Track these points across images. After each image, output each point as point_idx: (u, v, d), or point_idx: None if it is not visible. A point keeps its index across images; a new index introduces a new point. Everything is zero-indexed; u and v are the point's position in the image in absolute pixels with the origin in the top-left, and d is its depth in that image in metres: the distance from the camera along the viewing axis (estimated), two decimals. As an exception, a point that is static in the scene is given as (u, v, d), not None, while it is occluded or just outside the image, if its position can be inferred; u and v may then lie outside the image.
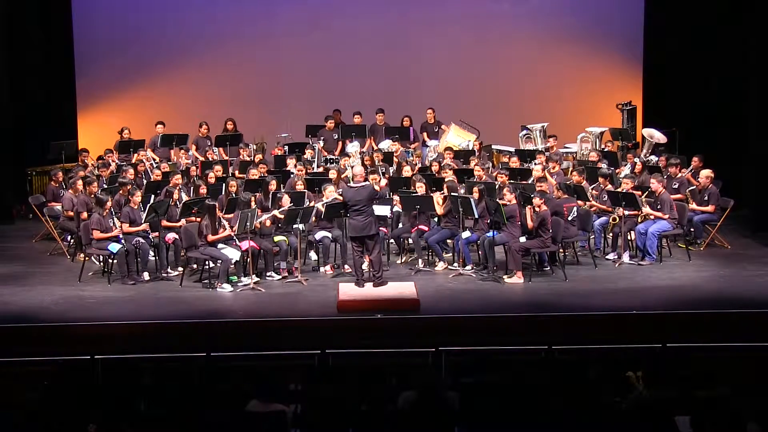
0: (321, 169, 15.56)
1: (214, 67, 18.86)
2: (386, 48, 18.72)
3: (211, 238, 12.27)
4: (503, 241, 12.65)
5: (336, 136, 17.12)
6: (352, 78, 18.67)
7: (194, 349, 10.09)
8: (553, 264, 12.93)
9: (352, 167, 15.40)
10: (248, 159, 16.05)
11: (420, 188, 13.18)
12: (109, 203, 12.53)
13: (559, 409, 7.88)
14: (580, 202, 13.37)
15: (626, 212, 13.07)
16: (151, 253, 12.77)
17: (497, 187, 13.39)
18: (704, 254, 13.61)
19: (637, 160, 15.31)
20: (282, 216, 12.64)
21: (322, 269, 13.03)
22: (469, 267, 12.87)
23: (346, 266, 12.95)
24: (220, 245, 12.31)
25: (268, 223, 12.75)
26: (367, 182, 12.34)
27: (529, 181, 14.15)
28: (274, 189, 13.51)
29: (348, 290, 11.91)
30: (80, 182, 13.76)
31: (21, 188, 16.64)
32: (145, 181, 14.41)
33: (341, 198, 13.11)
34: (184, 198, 13.50)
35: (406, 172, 14.46)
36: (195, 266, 12.88)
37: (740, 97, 16.02)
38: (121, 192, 13.35)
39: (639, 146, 16.92)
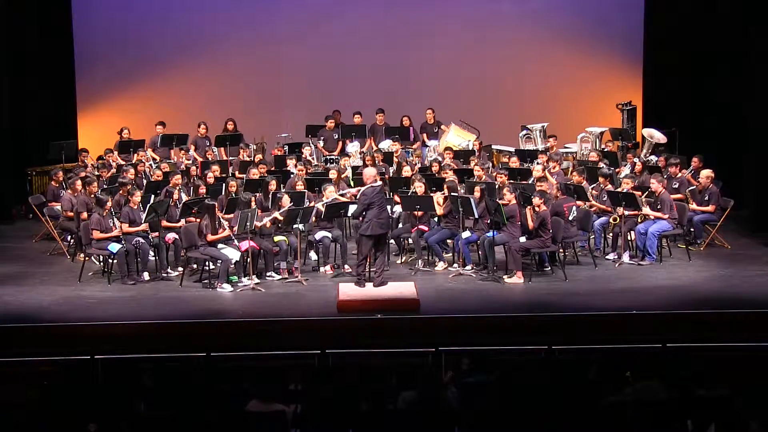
0: (321, 169, 15.57)
1: (214, 67, 18.85)
2: (386, 48, 18.71)
3: (211, 238, 12.27)
4: (503, 241, 12.64)
5: (336, 136, 17.12)
6: (352, 78, 18.67)
7: (194, 349, 10.08)
8: (553, 264, 12.93)
9: (352, 167, 15.41)
10: (248, 159, 16.06)
11: (420, 188, 13.18)
12: (109, 203, 12.53)
13: (559, 409, 7.88)
14: (580, 202, 13.37)
15: (626, 212, 13.07)
16: (151, 253, 12.76)
17: (497, 187, 13.39)
18: (704, 254, 13.60)
19: (637, 160, 15.31)
20: (282, 217, 12.64)
21: (322, 269, 13.02)
22: (469, 267, 12.87)
23: (346, 266, 12.95)
24: (220, 245, 12.31)
25: (268, 224, 12.75)
26: (379, 182, 12.32)
27: (529, 181, 14.15)
28: (274, 189, 13.51)
29: (348, 290, 11.90)
30: (80, 182, 13.76)
31: (21, 188, 16.62)
32: (145, 181, 14.41)
33: (341, 198, 13.12)
34: (184, 198, 13.50)
35: (406, 172, 14.45)
36: (195, 266, 12.87)
37: (740, 97, 16.00)
38: (121, 192, 13.35)
39: (639, 146, 16.92)
